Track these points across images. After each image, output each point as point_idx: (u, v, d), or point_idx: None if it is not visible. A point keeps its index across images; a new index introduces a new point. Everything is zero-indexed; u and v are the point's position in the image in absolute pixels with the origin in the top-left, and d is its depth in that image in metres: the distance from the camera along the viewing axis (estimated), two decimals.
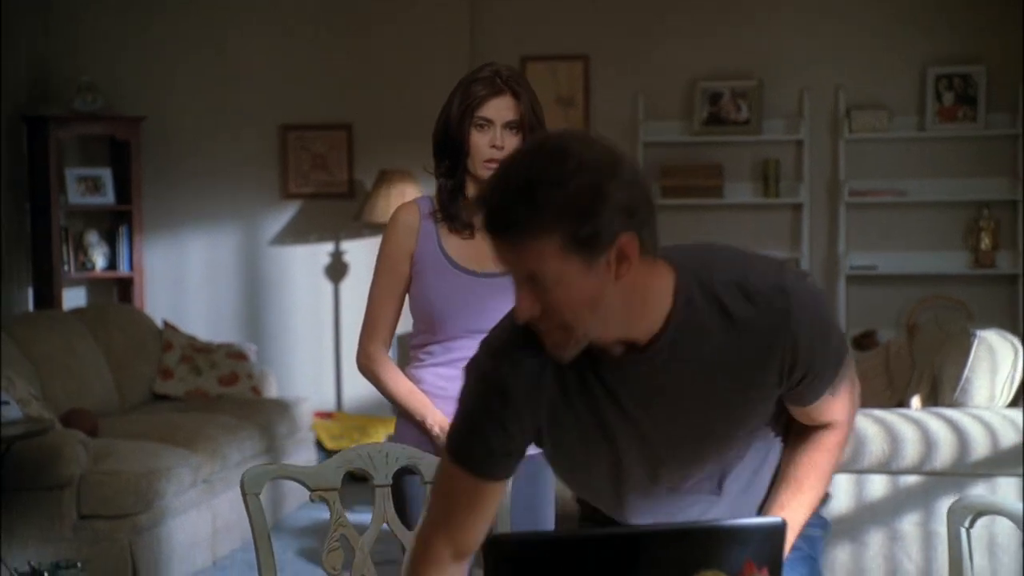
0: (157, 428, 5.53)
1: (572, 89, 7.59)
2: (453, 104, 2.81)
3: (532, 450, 1.96)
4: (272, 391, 6.70)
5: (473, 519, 1.94)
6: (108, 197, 7.41)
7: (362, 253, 7.61)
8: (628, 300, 1.81)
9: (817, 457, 2.10)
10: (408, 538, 2.26)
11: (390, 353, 2.96)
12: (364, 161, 7.61)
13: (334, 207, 7.63)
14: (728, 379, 1.91)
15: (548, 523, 2.86)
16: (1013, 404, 4.99)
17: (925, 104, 7.32)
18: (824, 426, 2.09)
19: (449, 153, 2.81)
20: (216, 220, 7.70)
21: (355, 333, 8.20)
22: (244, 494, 2.14)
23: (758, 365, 1.90)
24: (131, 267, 7.45)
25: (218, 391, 6.50)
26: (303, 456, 6.52)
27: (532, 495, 2.81)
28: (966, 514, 1.89)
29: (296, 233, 7.68)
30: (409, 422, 2.83)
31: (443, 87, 7.77)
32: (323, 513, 6.34)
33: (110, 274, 7.46)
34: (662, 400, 1.93)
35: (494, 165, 2.79)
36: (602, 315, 1.80)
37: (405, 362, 2.99)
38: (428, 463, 2.31)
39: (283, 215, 7.69)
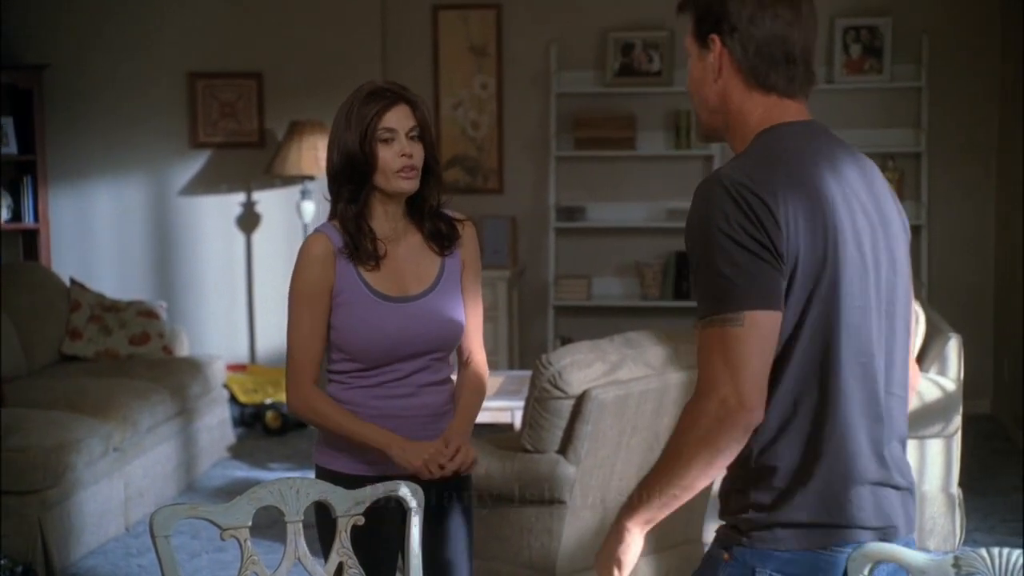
0: (66, 395, 5.47)
1: (485, 38, 7.54)
2: (349, 127, 2.75)
3: None
4: (184, 349, 6.65)
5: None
6: (11, 147, 7.25)
7: (274, 204, 7.55)
8: (719, 106, 2.08)
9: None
10: (321, 574, 2.28)
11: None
12: (275, 110, 7.51)
13: (245, 157, 7.53)
14: None
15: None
16: None
17: (833, 56, 7.38)
18: None
19: (352, 177, 2.77)
20: (123, 170, 7.58)
21: (268, 284, 8.12)
22: (153, 537, 2.13)
23: None
24: (36, 218, 7.32)
25: (129, 351, 6.43)
26: (216, 416, 6.50)
27: (448, 548, 2.85)
28: (865, 562, 1.95)
29: (206, 183, 7.59)
30: (350, 444, 2.80)
31: (354, 36, 7.73)
32: (238, 471, 6.38)
33: (14, 226, 7.32)
34: None
35: (408, 174, 2.77)
36: (700, 103, 2.11)
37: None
38: (339, 497, 2.33)
39: (192, 165, 7.58)
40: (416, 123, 2.78)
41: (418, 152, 2.79)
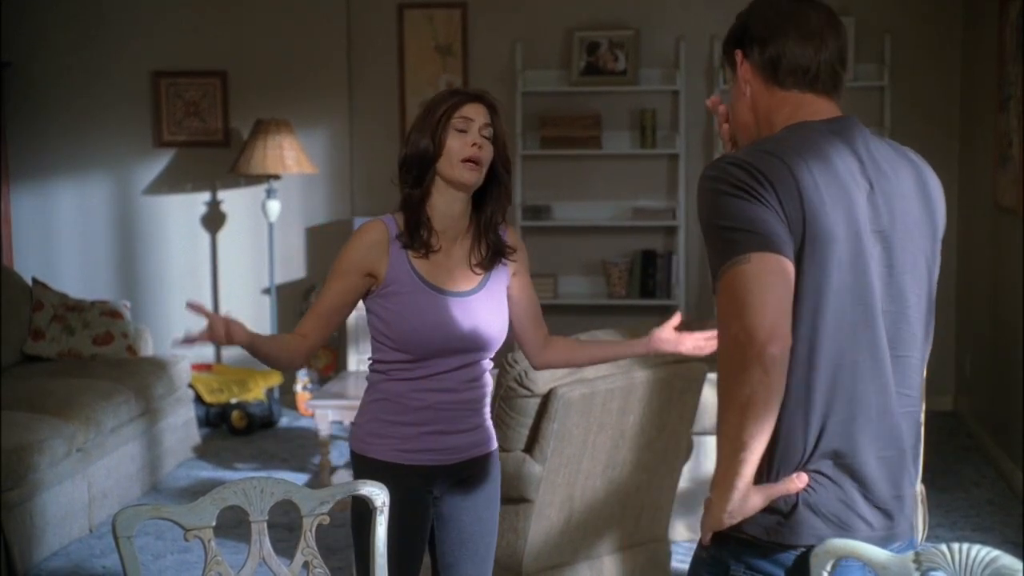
0: (28, 395, 5.43)
1: (450, 37, 7.53)
2: (427, 118, 2.81)
3: None
4: (148, 349, 6.61)
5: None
6: None
7: (239, 203, 7.52)
8: (752, 119, 2.16)
9: None
10: (286, 574, 2.27)
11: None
12: (239, 109, 7.48)
13: (209, 156, 7.50)
14: None
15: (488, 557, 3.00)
16: None
17: None
18: None
19: (420, 163, 2.80)
20: (87, 169, 7.53)
21: (233, 284, 8.07)
22: (116, 538, 2.12)
23: None
24: None
25: (92, 351, 6.39)
26: (181, 416, 6.46)
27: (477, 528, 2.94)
28: (827, 558, 1.97)
29: (171, 183, 7.55)
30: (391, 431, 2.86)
31: (319, 35, 7.70)
32: (203, 472, 6.35)
33: None
34: None
35: (472, 165, 2.79)
36: (737, 127, 2.19)
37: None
38: (303, 496, 2.32)
39: (156, 164, 7.55)
40: (492, 125, 2.84)
41: (488, 150, 2.83)
